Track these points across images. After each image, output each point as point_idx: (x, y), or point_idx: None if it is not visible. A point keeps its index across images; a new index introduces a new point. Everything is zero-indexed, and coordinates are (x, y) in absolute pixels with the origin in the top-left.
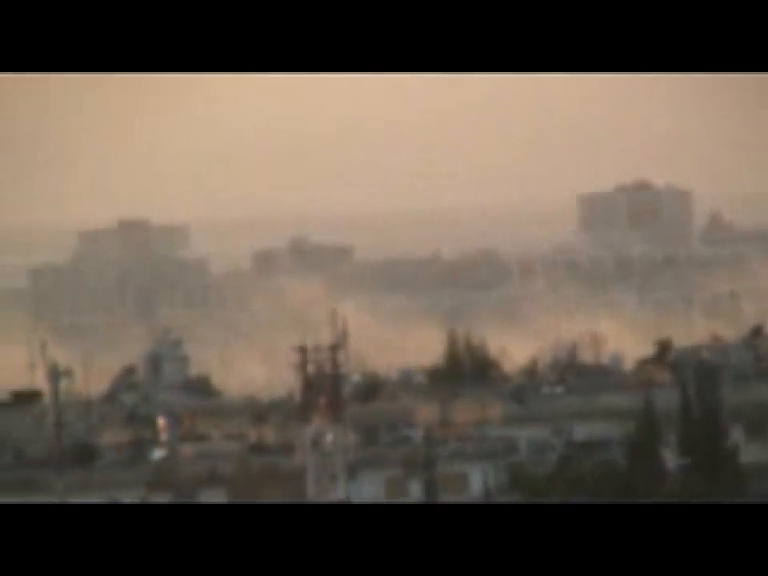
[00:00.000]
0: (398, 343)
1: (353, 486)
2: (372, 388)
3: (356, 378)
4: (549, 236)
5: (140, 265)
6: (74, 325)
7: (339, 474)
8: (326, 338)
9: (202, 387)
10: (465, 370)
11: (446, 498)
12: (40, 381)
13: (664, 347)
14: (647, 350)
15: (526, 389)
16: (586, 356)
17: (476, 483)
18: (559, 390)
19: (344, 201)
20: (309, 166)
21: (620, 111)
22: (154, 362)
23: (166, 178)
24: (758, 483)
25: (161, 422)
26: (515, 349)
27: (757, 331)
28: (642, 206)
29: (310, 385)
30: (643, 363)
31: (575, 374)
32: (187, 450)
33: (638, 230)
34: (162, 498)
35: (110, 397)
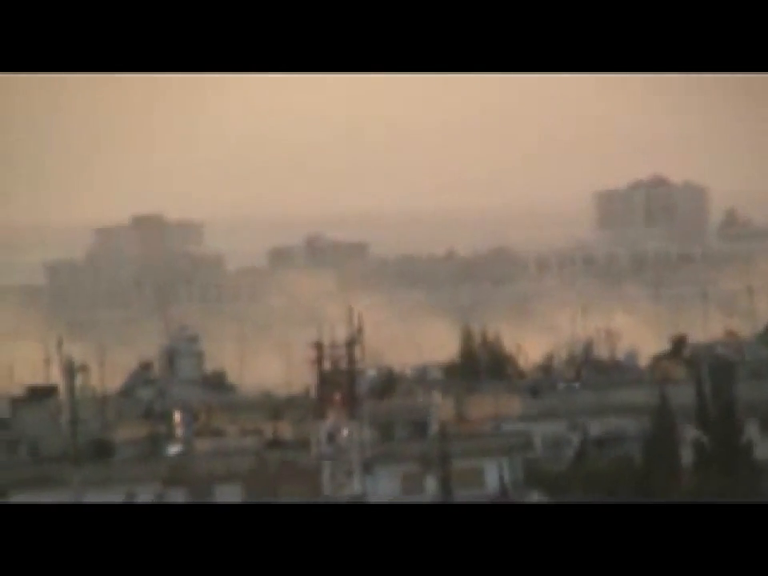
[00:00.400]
0: (414, 339)
1: (369, 481)
2: (388, 384)
3: (372, 373)
4: (564, 232)
5: (156, 261)
6: (90, 321)
7: (355, 470)
8: (341, 334)
9: (217, 383)
10: (480, 365)
11: (462, 493)
12: (55, 376)
13: (679, 343)
14: (662, 345)
15: (541, 384)
16: (602, 352)
17: (492, 479)
18: (575, 385)
19: (359, 198)
20: (325, 164)
21: (636, 109)
22: (170, 358)
23: (181, 175)
24: None
25: (177, 417)
26: (531, 345)
27: None
28: (657, 203)
29: (326, 381)
30: (658, 359)
31: (591, 369)
32: (203, 445)
33: (653, 227)
34: (177, 493)
35: (126, 392)
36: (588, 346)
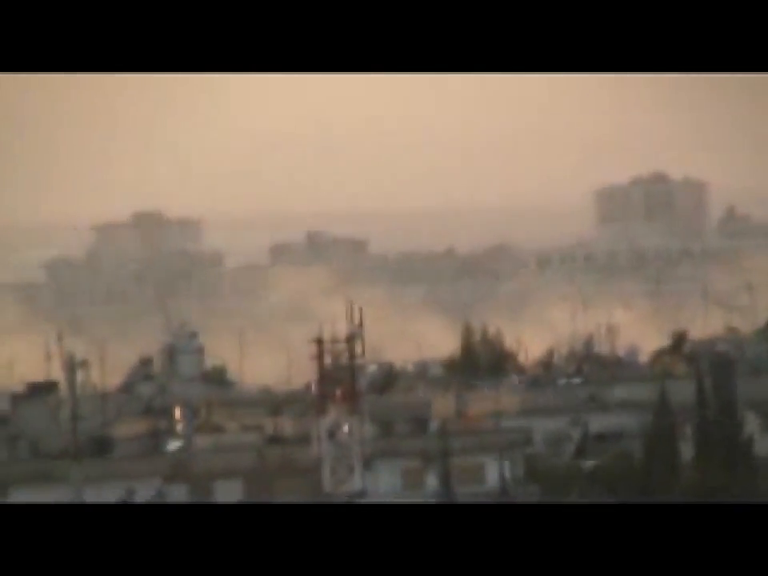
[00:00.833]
0: (415, 335)
1: (369, 477)
2: (388, 380)
3: (372, 369)
4: (564, 228)
5: (156, 258)
6: (90, 317)
7: (356, 465)
8: (341, 330)
9: (218, 379)
10: (481, 361)
11: (462, 489)
12: (56, 373)
13: (679, 339)
14: (662, 341)
15: (542, 380)
16: (602, 348)
17: (492, 474)
18: (576, 381)
19: (359, 195)
20: (325, 161)
21: (635, 106)
22: (170, 354)
23: (181, 172)
24: None
25: (177, 413)
26: (531, 341)
27: None
28: (657, 199)
29: (326, 377)
30: (659, 355)
31: (591, 365)
32: (203, 441)
33: (653, 223)
34: (178, 489)
35: (126, 389)
36: (588, 342)
